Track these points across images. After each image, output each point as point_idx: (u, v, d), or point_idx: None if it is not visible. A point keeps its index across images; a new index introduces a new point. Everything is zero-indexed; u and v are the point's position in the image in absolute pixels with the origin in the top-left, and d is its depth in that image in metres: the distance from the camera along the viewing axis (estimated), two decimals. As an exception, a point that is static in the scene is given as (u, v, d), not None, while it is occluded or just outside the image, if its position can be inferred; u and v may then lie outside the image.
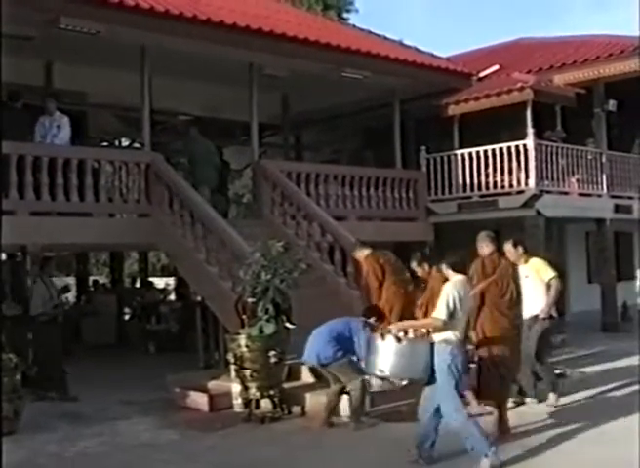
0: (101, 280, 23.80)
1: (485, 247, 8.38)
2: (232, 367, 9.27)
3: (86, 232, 11.81)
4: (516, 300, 8.28)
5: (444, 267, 7.24)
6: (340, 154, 20.10)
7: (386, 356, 6.87)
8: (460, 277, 7.10)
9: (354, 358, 8.54)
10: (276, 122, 18.41)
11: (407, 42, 19.06)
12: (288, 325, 9.27)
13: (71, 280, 20.32)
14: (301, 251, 12.17)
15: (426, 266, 9.49)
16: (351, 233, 12.88)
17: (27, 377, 9.13)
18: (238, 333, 9.16)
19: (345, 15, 35.92)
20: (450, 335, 6.81)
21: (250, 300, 9.29)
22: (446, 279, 7.24)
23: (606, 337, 15.75)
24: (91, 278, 20.84)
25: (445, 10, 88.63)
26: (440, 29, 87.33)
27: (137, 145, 17.25)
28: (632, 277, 20.70)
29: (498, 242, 8.64)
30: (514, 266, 8.67)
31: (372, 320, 8.53)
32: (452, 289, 6.92)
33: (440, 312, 6.85)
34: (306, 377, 9.79)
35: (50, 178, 11.43)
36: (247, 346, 8.95)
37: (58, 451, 7.84)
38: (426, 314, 9.02)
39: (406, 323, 7.53)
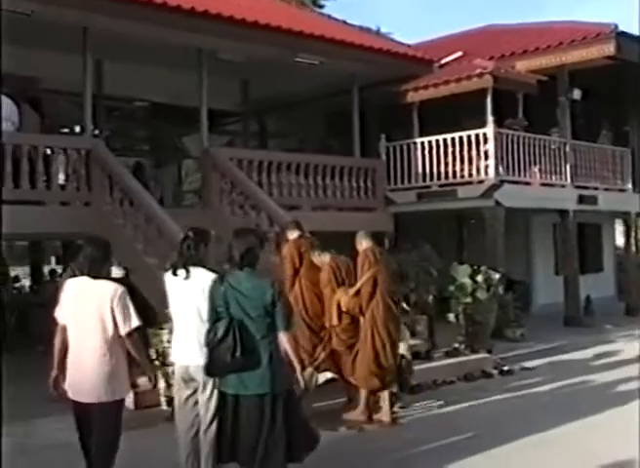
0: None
1: (364, 242, 8.69)
2: (155, 363, 8.85)
3: (22, 221, 11.34)
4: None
5: None
6: (305, 142, 19.66)
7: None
8: None
9: None
10: (239, 109, 18.01)
11: (384, 31, 18.66)
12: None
13: (26, 270, 19.84)
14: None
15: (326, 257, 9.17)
16: (305, 223, 12.46)
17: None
18: (161, 328, 8.74)
19: (323, 2, 35.50)
20: None
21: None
22: None
23: (566, 332, 15.41)
24: (47, 267, 20.31)
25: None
26: (422, 18, 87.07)
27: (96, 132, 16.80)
28: (600, 269, 20.38)
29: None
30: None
31: None
32: None
33: None
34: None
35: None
36: (169, 341, 8.52)
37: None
38: None
39: None
